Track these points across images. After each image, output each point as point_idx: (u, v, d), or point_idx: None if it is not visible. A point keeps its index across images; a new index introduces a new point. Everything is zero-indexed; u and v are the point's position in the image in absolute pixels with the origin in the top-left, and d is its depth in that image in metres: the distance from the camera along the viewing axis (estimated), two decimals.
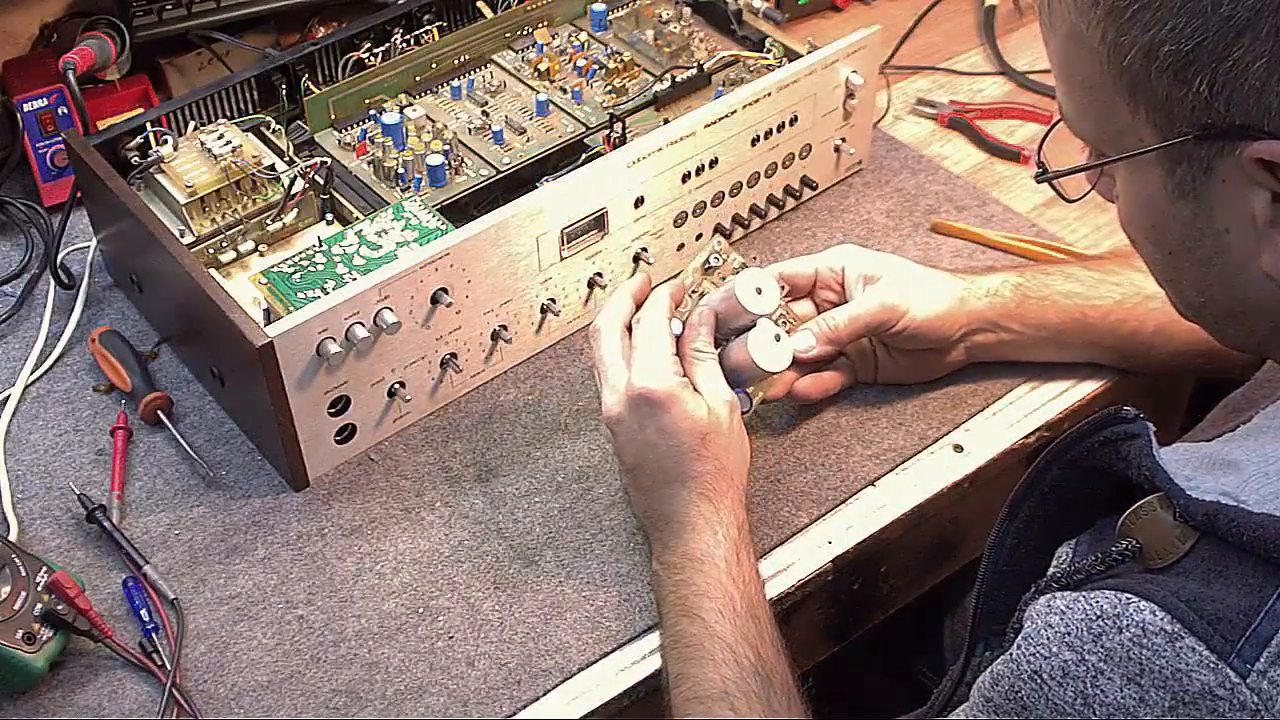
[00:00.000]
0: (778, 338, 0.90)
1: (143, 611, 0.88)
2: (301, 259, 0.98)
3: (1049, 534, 0.73)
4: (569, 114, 1.14)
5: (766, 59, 1.17)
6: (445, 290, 0.95)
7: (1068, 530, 0.72)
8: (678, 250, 1.10)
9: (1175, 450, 0.67)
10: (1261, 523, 0.59)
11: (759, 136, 1.10)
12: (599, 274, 1.05)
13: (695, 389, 0.87)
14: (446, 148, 1.08)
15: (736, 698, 0.78)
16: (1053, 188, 0.77)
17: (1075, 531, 0.72)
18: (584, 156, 1.10)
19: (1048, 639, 0.62)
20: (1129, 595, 0.60)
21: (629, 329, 0.91)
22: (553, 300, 1.03)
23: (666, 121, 1.10)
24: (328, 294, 0.94)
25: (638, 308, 0.92)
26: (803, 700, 0.80)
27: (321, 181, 1.06)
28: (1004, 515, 0.76)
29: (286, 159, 1.08)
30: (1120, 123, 0.65)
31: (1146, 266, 0.73)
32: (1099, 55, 0.64)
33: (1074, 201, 0.78)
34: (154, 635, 0.87)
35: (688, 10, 1.23)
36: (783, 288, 0.93)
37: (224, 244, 1.04)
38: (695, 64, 1.17)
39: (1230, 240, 0.64)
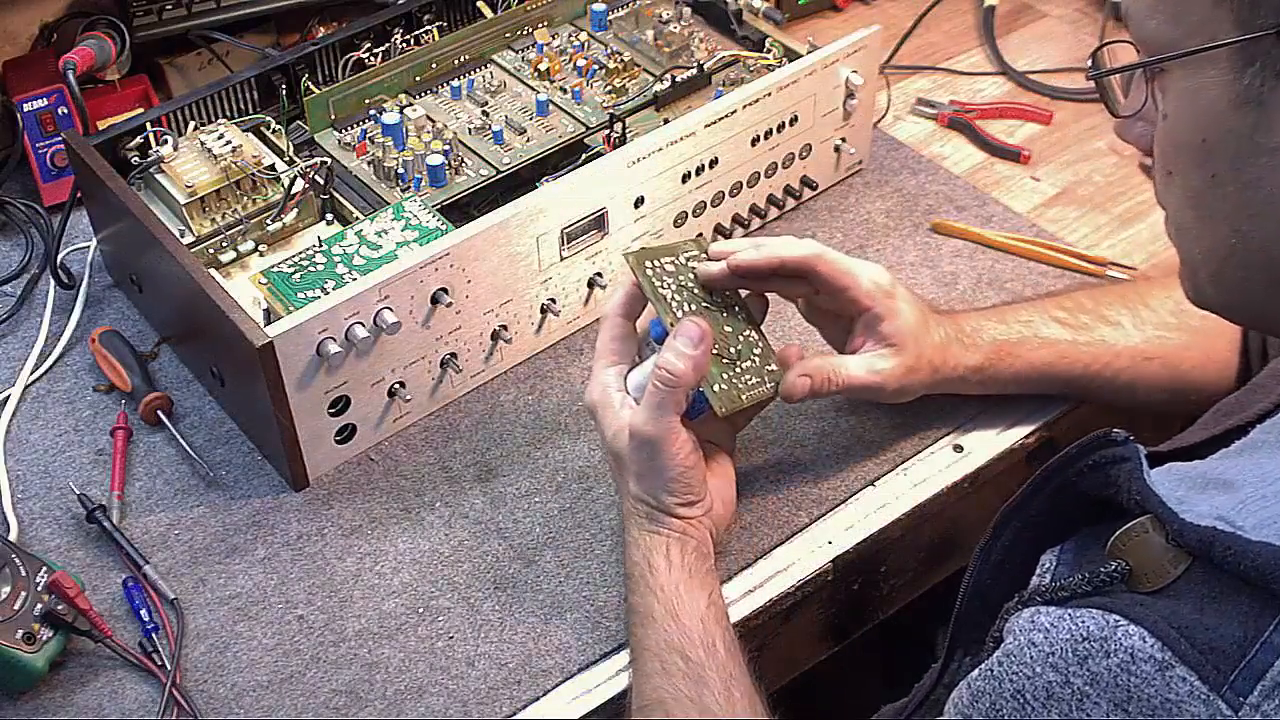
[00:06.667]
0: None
1: (143, 611, 0.88)
2: (301, 259, 0.98)
3: (1034, 546, 0.72)
4: (569, 114, 1.14)
5: (766, 59, 1.17)
6: (445, 290, 0.95)
7: (1052, 540, 0.70)
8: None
9: (1167, 471, 0.65)
10: (1259, 552, 0.57)
11: (759, 136, 1.10)
12: (599, 274, 1.05)
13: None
14: (446, 148, 1.08)
15: (670, 704, 0.78)
16: (1101, 96, 0.72)
17: (1060, 540, 0.70)
18: (584, 156, 1.10)
19: (1031, 658, 0.61)
20: (1117, 617, 0.59)
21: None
22: (553, 300, 1.03)
23: (666, 121, 1.10)
24: (328, 294, 0.94)
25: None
26: (755, 692, 0.79)
27: (321, 181, 1.06)
28: (991, 530, 0.75)
29: (286, 159, 1.08)
30: (1196, 15, 0.61)
31: (1175, 203, 0.68)
32: None
33: (1122, 118, 0.71)
34: (154, 635, 0.87)
35: (688, 10, 1.23)
36: None
37: (224, 244, 1.04)
38: (695, 64, 1.17)
39: None
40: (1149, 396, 0.98)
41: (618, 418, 0.86)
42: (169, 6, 1.22)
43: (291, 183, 1.05)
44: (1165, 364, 0.97)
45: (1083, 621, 0.60)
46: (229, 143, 1.04)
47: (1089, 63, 0.73)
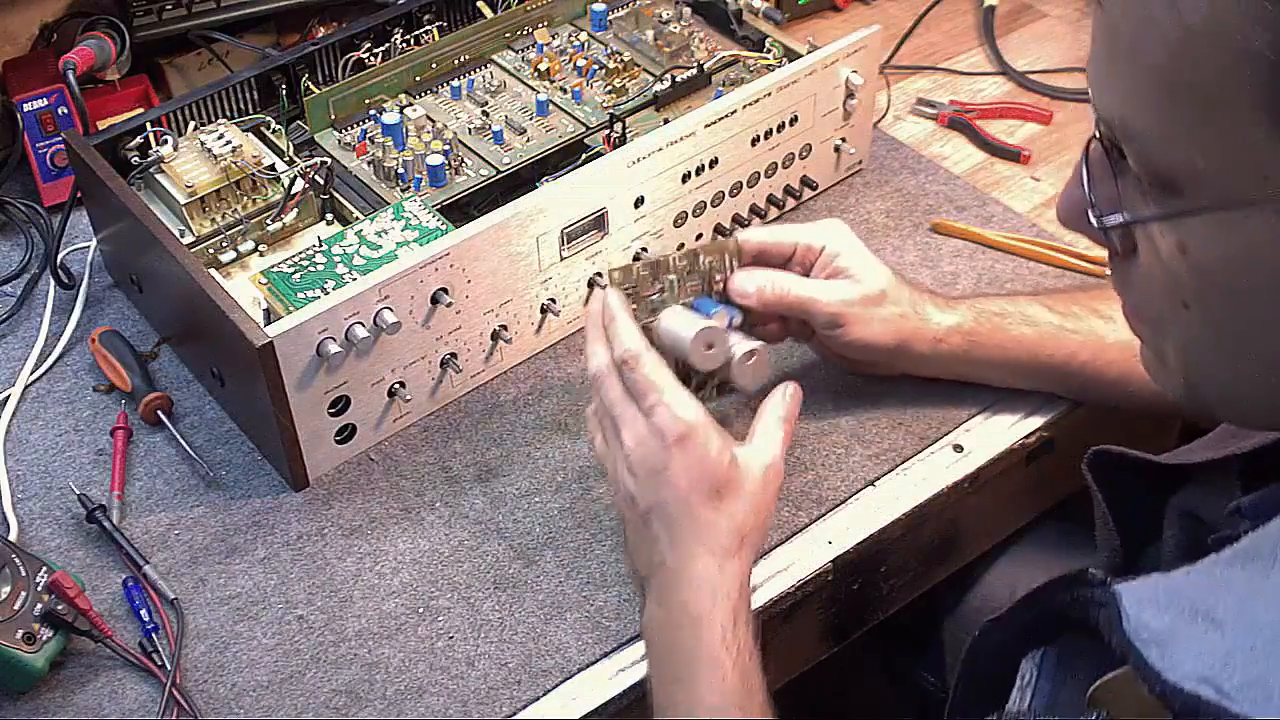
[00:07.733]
0: (750, 353, 0.89)
1: (143, 611, 0.88)
2: (301, 259, 0.98)
3: (1016, 649, 0.71)
4: (569, 114, 1.14)
5: (766, 59, 1.17)
6: (445, 290, 0.95)
7: (1034, 641, 0.69)
8: (677, 250, 1.10)
9: (1151, 587, 0.60)
10: None
11: (759, 136, 1.10)
12: (599, 274, 1.05)
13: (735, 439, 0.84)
14: (446, 148, 1.09)
15: None
16: (1106, 240, 0.62)
17: (1042, 640, 0.68)
18: (584, 156, 1.10)
19: None
20: None
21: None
22: (553, 300, 1.03)
23: (666, 121, 1.10)
24: (328, 294, 0.94)
25: None
26: None
27: (321, 181, 1.07)
28: (970, 641, 0.74)
29: (286, 159, 1.08)
30: (1239, 150, 0.52)
31: (1182, 333, 0.61)
32: (1242, 58, 0.51)
33: (1115, 274, 0.64)
34: (154, 635, 0.87)
35: (688, 10, 1.23)
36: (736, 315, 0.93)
37: (224, 244, 1.04)
38: (695, 64, 1.17)
39: None
40: (1143, 396, 0.94)
41: (730, 448, 0.83)
42: (169, 6, 1.22)
43: (291, 183, 1.05)
44: None
45: None
46: (229, 143, 1.04)
47: (1091, 216, 0.61)
